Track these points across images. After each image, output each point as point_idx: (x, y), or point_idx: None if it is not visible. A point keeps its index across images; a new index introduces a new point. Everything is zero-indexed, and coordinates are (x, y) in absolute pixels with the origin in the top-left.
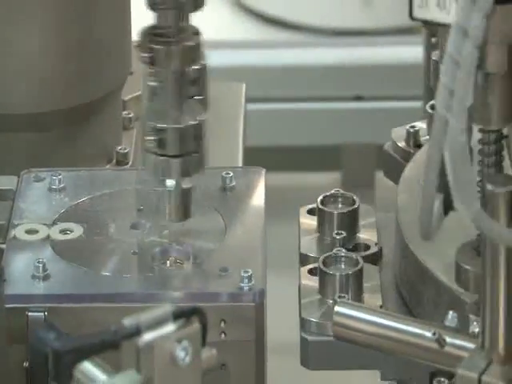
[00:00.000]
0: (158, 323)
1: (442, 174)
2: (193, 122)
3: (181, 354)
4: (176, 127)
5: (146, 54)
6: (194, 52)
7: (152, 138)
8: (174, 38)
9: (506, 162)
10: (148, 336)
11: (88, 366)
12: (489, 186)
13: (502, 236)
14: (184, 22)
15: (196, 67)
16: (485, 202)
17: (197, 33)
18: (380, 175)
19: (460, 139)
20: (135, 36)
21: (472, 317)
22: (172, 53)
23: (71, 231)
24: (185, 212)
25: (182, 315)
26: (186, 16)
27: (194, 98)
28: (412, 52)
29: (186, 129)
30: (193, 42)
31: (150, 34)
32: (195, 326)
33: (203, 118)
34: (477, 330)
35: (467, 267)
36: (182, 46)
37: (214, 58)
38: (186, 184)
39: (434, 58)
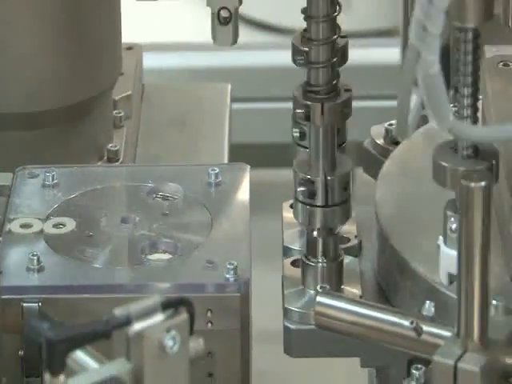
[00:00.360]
0: (147, 313)
1: None
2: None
3: (169, 342)
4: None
5: (301, 110)
6: (347, 108)
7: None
8: (327, 95)
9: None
10: (138, 326)
11: (80, 355)
12: (463, 182)
13: (481, 134)
14: (336, 78)
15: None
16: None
17: (348, 89)
18: (359, 171)
19: (433, 70)
20: (125, 38)
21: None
22: (326, 110)
23: (64, 225)
24: None
25: (170, 306)
26: (336, 72)
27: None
28: (390, 53)
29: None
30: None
31: (305, 90)
32: (183, 315)
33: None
34: None
35: (445, 164)
36: (335, 103)
37: (201, 60)
38: None
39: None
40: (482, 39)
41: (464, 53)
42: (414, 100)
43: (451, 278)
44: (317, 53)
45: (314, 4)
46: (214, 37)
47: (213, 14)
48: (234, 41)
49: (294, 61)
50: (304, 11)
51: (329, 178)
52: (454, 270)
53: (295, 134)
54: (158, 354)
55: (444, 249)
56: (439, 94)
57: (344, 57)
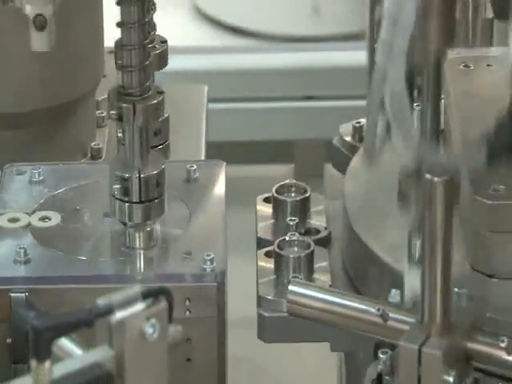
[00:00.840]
0: (128, 303)
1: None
2: (155, 171)
3: (149, 330)
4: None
5: (114, 112)
6: (158, 109)
7: (118, 186)
8: (138, 96)
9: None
10: (119, 314)
11: (65, 342)
12: (427, 176)
13: (441, 158)
14: (148, 81)
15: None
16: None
17: (160, 92)
18: (329, 167)
19: (399, 88)
20: (107, 43)
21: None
22: (137, 110)
23: (50, 219)
24: None
25: (150, 295)
26: (151, 75)
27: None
28: (357, 56)
29: (149, 177)
30: (155, 99)
31: (118, 92)
32: (162, 304)
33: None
34: None
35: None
36: (147, 104)
37: (180, 63)
38: None
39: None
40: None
41: (427, 73)
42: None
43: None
44: (128, 57)
45: (126, 11)
46: (31, 42)
47: (30, 20)
48: (50, 46)
49: (116, 66)
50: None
51: (142, 175)
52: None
53: (119, 134)
54: (138, 340)
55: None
56: (404, 112)
57: (163, 61)
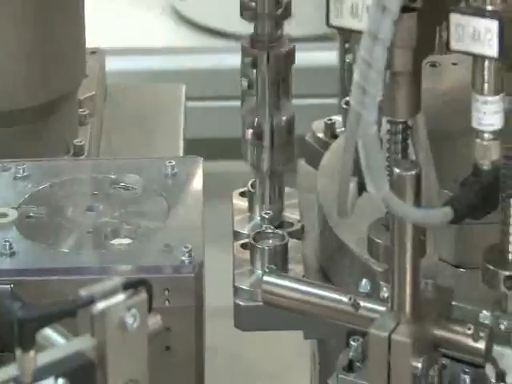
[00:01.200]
0: (109, 293)
1: (357, 160)
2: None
3: (130, 320)
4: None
5: (249, 58)
6: (290, 57)
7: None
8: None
9: (411, 150)
10: (101, 305)
11: (49, 332)
12: (396, 170)
13: (407, 214)
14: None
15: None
16: (393, 184)
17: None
18: (302, 162)
19: (371, 130)
20: (89, 44)
21: (382, 284)
22: (271, 58)
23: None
24: None
25: (130, 286)
26: (280, 25)
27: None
28: (328, 56)
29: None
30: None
31: (253, 40)
32: (142, 295)
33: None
34: (386, 295)
35: (378, 240)
36: (279, 52)
37: (158, 63)
38: None
39: (347, 61)
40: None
41: (394, 142)
42: (353, 182)
43: None
44: (262, 5)
45: None
46: None
47: None
48: None
49: (243, 15)
50: None
51: (274, 121)
52: None
53: (244, 83)
54: (119, 330)
55: None
56: (376, 156)
57: (288, 10)
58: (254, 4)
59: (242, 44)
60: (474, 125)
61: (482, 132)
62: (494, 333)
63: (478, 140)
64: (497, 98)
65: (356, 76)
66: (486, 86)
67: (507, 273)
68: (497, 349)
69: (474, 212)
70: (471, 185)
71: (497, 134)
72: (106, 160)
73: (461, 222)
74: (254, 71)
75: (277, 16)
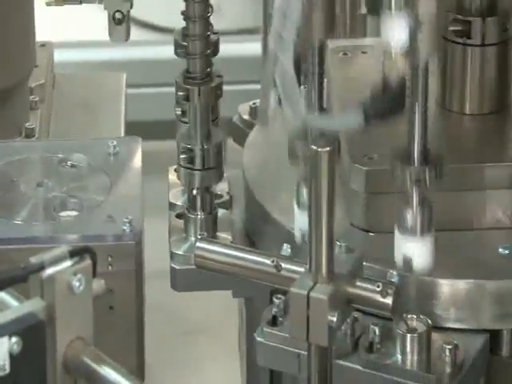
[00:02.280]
0: (57, 260)
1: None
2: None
3: (76, 284)
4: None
5: (182, 93)
6: (219, 90)
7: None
8: (203, 80)
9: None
10: (50, 270)
11: (3, 295)
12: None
13: (326, 124)
14: (209, 67)
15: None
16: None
17: (219, 76)
18: (230, 141)
19: (288, 68)
20: (38, 37)
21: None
22: (202, 92)
23: None
24: None
25: (76, 254)
26: (210, 62)
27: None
28: (252, 47)
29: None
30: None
31: (185, 77)
32: (87, 261)
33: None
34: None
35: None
36: (209, 86)
37: (101, 54)
38: None
39: (268, 50)
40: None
41: (312, 63)
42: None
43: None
44: (194, 47)
45: (191, 7)
46: (110, 34)
47: (109, 15)
48: (127, 37)
49: (177, 53)
50: (183, 13)
51: (205, 146)
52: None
53: (177, 113)
54: (66, 293)
55: (297, 211)
56: (292, 87)
57: (216, 49)
58: (185, 43)
59: (175, 80)
60: (384, 38)
61: (389, 45)
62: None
63: (386, 53)
64: (403, 13)
65: (274, 22)
66: (393, 2)
67: (412, 171)
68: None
69: (382, 117)
70: (380, 93)
71: (403, 48)
72: (55, 141)
73: (371, 125)
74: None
75: (207, 55)
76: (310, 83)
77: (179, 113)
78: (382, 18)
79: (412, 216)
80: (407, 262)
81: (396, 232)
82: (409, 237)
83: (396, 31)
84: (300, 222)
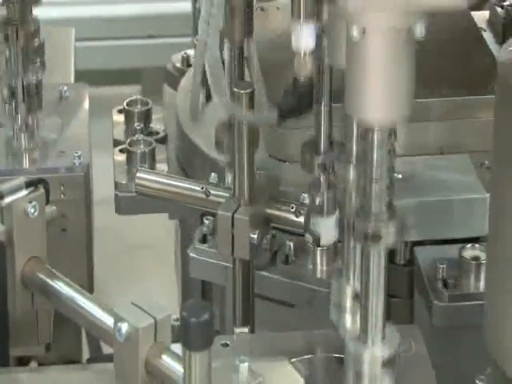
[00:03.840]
0: (15, 190)
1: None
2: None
3: (31, 210)
4: None
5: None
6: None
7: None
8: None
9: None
10: (8, 199)
11: None
12: (235, 89)
13: (243, 116)
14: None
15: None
16: (233, 96)
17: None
18: (166, 86)
19: (214, 54)
20: None
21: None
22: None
23: None
24: None
25: (31, 184)
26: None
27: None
28: (182, 5)
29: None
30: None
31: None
32: (41, 191)
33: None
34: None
35: (223, 139)
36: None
37: (55, 13)
38: None
39: (197, 7)
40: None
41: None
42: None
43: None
44: None
45: None
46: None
47: None
48: None
49: None
50: None
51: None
52: None
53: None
54: (23, 218)
55: None
56: (219, 74)
57: None
58: None
59: None
60: (294, 44)
61: (299, 50)
62: (312, 208)
63: (296, 57)
64: (310, 22)
65: (202, 12)
66: (302, 12)
67: (320, 160)
68: (313, 220)
69: (293, 113)
70: (291, 92)
71: (310, 53)
72: None
73: (284, 121)
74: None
75: (25, 2)
76: (230, 71)
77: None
78: (291, 26)
79: (319, 199)
80: (316, 237)
81: (306, 211)
82: (317, 215)
83: (304, 38)
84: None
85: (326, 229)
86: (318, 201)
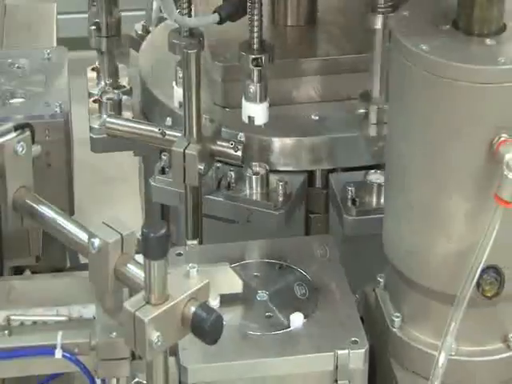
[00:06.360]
0: (5, 133)
1: None
2: None
3: (19, 149)
4: None
5: None
6: None
7: None
8: None
9: None
10: (0, 140)
11: None
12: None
13: (188, 22)
14: None
15: None
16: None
17: None
18: (130, 49)
19: None
20: None
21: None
22: None
23: None
24: None
25: (19, 128)
26: None
27: None
28: None
29: None
30: None
31: None
32: (27, 133)
33: None
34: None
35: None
36: None
37: None
38: None
39: None
40: None
41: None
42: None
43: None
44: None
45: None
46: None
47: None
48: None
49: None
50: None
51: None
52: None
53: None
54: (13, 155)
55: (176, 89)
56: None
57: None
58: None
59: None
60: None
61: None
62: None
63: None
64: None
65: None
66: None
67: (253, 56)
68: (249, 106)
69: (232, 17)
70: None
71: None
72: (6, 52)
73: (224, 22)
74: None
75: None
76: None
77: None
78: None
79: (253, 88)
80: (250, 120)
81: (243, 100)
82: (251, 103)
83: None
84: (177, 96)
85: (260, 112)
86: (251, 90)
